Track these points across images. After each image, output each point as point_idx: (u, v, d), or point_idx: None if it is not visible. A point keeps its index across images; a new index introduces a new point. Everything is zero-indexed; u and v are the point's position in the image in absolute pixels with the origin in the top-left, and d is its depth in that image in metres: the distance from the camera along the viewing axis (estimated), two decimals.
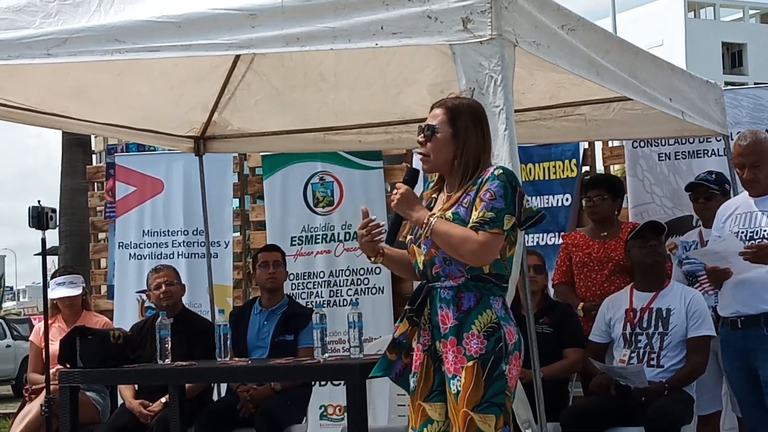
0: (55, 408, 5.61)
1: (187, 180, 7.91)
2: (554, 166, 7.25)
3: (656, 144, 6.92)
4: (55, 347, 5.80)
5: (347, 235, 7.55)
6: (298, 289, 7.57)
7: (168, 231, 8.07)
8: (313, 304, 7.33)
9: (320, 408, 7.49)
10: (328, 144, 6.90)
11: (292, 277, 7.27)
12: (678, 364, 5.41)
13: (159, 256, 7.90)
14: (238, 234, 8.56)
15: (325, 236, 7.67)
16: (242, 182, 8.53)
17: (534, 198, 7.14)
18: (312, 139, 6.81)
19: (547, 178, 7.26)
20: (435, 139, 3.69)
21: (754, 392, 5.00)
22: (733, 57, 61.90)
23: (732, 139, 5.83)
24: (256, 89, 6.30)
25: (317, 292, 7.63)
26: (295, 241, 7.70)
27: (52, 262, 12.90)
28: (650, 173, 6.96)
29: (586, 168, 7.35)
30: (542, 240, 7.18)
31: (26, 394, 6.57)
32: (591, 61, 4.48)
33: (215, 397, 6.62)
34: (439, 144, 3.69)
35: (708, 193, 6.00)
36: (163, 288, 6.20)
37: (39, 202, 5.82)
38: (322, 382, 7.15)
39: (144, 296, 7.58)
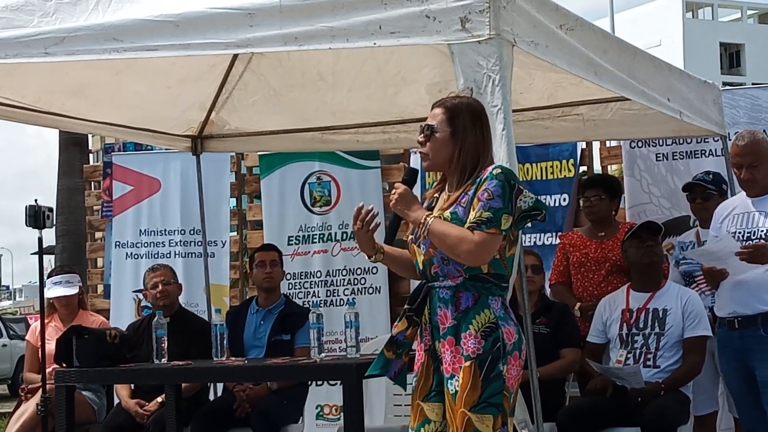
0: (51, 407, 5.61)
1: (185, 179, 7.91)
2: (552, 166, 7.25)
3: (654, 144, 6.92)
4: (51, 346, 5.80)
5: (344, 235, 7.55)
6: (294, 289, 7.57)
7: (165, 230, 8.07)
8: (310, 303, 7.34)
9: (317, 408, 7.49)
10: (326, 143, 6.90)
11: (289, 276, 7.28)
12: (674, 365, 5.41)
13: (156, 256, 7.90)
14: (235, 233, 8.56)
15: (322, 236, 7.66)
16: (239, 182, 8.53)
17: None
18: (309, 139, 6.81)
19: (544, 178, 7.26)
20: (434, 139, 3.69)
21: (751, 392, 5.00)
22: (731, 57, 61.94)
23: (730, 140, 5.83)
24: (253, 89, 6.30)
25: (314, 291, 7.63)
26: (292, 240, 7.70)
27: (49, 261, 12.87)
28: (648, 173, 6.96)
29: (583, 168, 7.35)
30: (539, 240, 7.18)
31: (22, 394, 6.56)
32: (589, 61, 4.48)
33: (212, 397, 6.62)
34: (438, 143, 3.68)
35: (705, 194, 6.00)
36: (160, 287, 6.20)
37: (36, 201, 5.82)
38: (319, 382, 7.16)
39: (141, 295, 7.57)
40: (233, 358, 5.73)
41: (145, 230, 8.10)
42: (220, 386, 6.57)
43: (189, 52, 4.29)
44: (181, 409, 5.66)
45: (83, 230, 9.51)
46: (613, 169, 7.81)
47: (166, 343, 5.40)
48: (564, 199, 7.18)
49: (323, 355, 5.11)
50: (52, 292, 6.63)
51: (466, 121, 3.66)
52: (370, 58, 5.62)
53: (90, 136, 13.73)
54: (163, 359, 5.37)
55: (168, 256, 7.90)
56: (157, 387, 5.97)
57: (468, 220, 3.56)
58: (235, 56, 5.98)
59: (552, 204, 7.18)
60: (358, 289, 7.56)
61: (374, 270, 7.45)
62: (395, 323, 3.77)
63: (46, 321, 6.22)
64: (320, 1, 4.03)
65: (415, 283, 3.84)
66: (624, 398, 5.26)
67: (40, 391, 5.96)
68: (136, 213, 8.12)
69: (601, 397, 5.35)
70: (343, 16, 3.99)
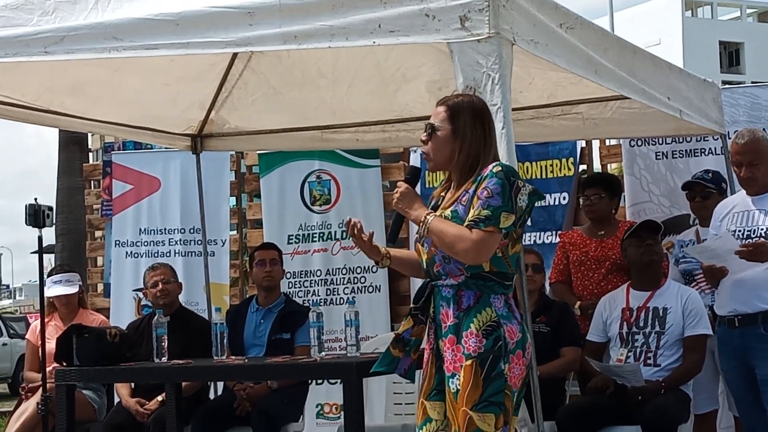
0: (52, 406, 5.62)
1: (184, 178, 7.91)
2: (551, 165, 7.25)
3: (654, 142, 6.92)
4: (51, 345, 5.80)
5: (344, 234, 7.53)
6: (294, 288, 7.57)
7: (165, 229, 8.07)
8: (310, 302, 7.33)
9: (317, 406, 7.49)
10: (326, 142, 6.90)
11: (288, 275, 7.27)
12: (675, 363, 5.41)
13: (156, 255, 7.90)
14: (235, 232, 8.56)
15: (322, 234, 7.66)
16: (239, 180, 8.53)
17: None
18: (309, 138, 6.81)
19: (544, 176, 7.26)
20: (435, 138, 3.68)
21: (751, 391, 5.00)
22: (731, 56, 61.92)
23: (729, 138, 5.84)
24: (253, 87, 6.30)
25: (314, 290, 7.63)
26: (292, 239, 7.70)
27: (49, 260, 12.88)
28: (647, 172, 6.95)
29: (583, 166, 7.35)
30: (539, 239, 7.18)
31: (23, 393, 6.56)
32: (589, 60, 4.48)
33: (212, 396, 6.62)
34: (439, 142, 3.68)
35: (704, 192, 6.00)
36: (160, 286, 6.20)
37: (36, 200, 5.82)
38: (319, 381, 7.16)
39: (141, 294, 7.56)
40: (233, 357, 5.73)
41: (145, 229, 8.10)
42: (220, 385, 6.57)
43: (189, 51, 4.29)
44: (181, 408, 5.66)
45: (83, 229, 9.52)
46: (612, 168, 7.82)
47: (166, 341, 5.40)
48: (564, 198, 7.18)
49: (323, 353, 5.11)
50: (52, 291, 6.63)
51: (467, 119, 3.65)
52: (370, 54, 5.62)
53: (90, 134, 13.73)
54: (163, 358, 5.37)
55: (168, 254, 7.91)
56: (158, 386, 5.97)
57: (467, 218, 3.55)
58: (235, 55, 5.98)
59: (552, 202, 7.18)
60: (358, 287, 7.56)
61: (374, 269, 7.44)
62: (402, 322, 3.78)
63: (46, 320, 6.22)
64: (320, 0, 4.03)
65: (416, 282, 3.84)
66: (624, 397, 5.26)
67: (40, 390, 5.96)
68: (135, 212, 8.13)
69: (601, 396, 5.35)
70: (342, 14, 3.99)
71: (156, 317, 5.51)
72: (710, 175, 6.06)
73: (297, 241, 7.70)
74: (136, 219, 8.12)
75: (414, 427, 3.82)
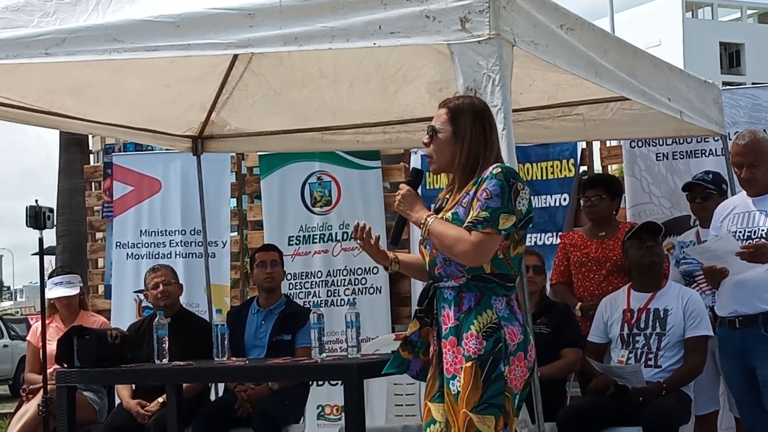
0: (53, 408, 5.62)
1: (185, 180, 7.91)
2: (552, 166, 7.25)
3: (654, 144, 6.92)
4: (52, 347, 5.80)
5: (345, 235, 7.55)
6: (295, 289, 7.58)
7: (165, 231, 8.07)
8: (311, 303, 7.34)
9: (318, 408, 7.49)
10: (326, 144, 6.90)
11: (289, 276, 7.27)
12: (675, 364, 5.41)
13: (156, 256, 7.90)
14: (235, 234, 8.56)
15: (322, 236, 7.67)
16: (240, 182, 8.53)
17: (532, 198, 7.12)
18: (310, 139, 6.81)
19: (544, 177, 7.26)
20: (437, 140, 3.68)
21: (752, 392, 5.00)
22: (731, 57, 61.93)
23: (730, 139, 5.83)
24: (254, 89, 6.30)
25: (315, 291, 7.63)
26: (292, 240, 7.70)
27: (50, 261, 12.88)
28: (648, 173, 6.95)
29: (583, 168, 7.35)
30: (540, 240, 7.17)
31: (23, 394, 6.56)
32: (590, 61, 4.48)
33: (213, 397, 6.62)
34: (441, 144, 3.68)
35: (705, 193, 6.00)
36: (161, 288, 6.20)
37: (36, 201, 5.82)
38: (320, 382, 7.16)
39: (141, 296, 7.57)
40: (234, 359, 5.73)
41: (145, 231, 8.10)
42: (221, 386, 6.56)
43: (189, 53, 4.29)
44: (182, 410, 5.66)
45: (84, 231, 9.52)
46: (613, 169, 7.81)
47: (167, 343, 5.40)
48: (564, 199, 7.18)
49: (324, 355, 5.11)
50: (53, 292, 6.62)
51: (467, 120, 3.65)
52: (370, 55, 5.62)
53: (90, 136, 13.72)
54: (164, 359, 5.38)
55: (169, 256, 7.91)
56: (158, 387, 5.97)
57: (466, 220, 3.55)
58: (236, 56, 5.98)
59: (552, 204, 7.18)
60: (358, 289, 7.56)
61: (375, 270, 7.45)
62: (408, 324, 3.78)
63: (47, 321, 6.22)
64: (320, 2, 4.03)
65: (416, 283, 3.85)
66: (625, 398, 5.26)
67: (41, 392, 5.96)
68: (136, 213, 8.13)
69: (602, 397, 5.35)
70: (342, 16, 3.99)
71: (157, 319, 5.51)
72: (711, 176, 6.06)
73: (298, 242, 7.70)
74: (137, 220, 8.12)
75: (414, 427, 3.82)
